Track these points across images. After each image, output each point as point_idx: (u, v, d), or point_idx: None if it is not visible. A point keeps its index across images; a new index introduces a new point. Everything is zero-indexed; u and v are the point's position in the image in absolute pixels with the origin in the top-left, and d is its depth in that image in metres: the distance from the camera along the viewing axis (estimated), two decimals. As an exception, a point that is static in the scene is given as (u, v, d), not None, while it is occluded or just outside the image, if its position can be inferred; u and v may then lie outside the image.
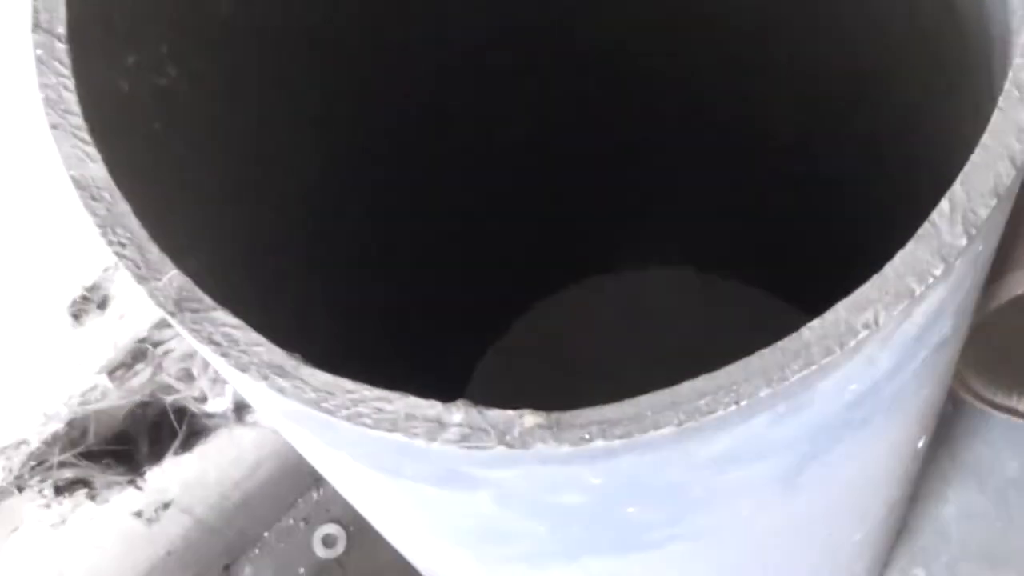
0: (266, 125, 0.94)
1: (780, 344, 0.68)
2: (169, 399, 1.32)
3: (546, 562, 0.97)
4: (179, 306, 0.70)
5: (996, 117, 0.69)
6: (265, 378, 0.69)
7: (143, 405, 1.31)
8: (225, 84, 0.88)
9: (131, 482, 1.37)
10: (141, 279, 0.71)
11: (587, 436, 0.67)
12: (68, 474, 1.27)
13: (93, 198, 0.72)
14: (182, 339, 1.27)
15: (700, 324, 1.29)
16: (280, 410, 0.77)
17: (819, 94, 1.05)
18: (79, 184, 0.73)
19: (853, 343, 0.68)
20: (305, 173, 1.02)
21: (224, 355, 0.70)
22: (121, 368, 1.23)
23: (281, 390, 0.69)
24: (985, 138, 0.68)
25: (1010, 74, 0.69)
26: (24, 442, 1.21)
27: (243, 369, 0.69)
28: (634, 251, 1.36)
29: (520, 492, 0.78)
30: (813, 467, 0.87)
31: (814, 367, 0.67)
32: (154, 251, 0.69)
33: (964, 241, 0.67)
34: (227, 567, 1.67)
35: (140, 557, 1.51)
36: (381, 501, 0.97)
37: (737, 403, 0.68)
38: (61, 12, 0.74)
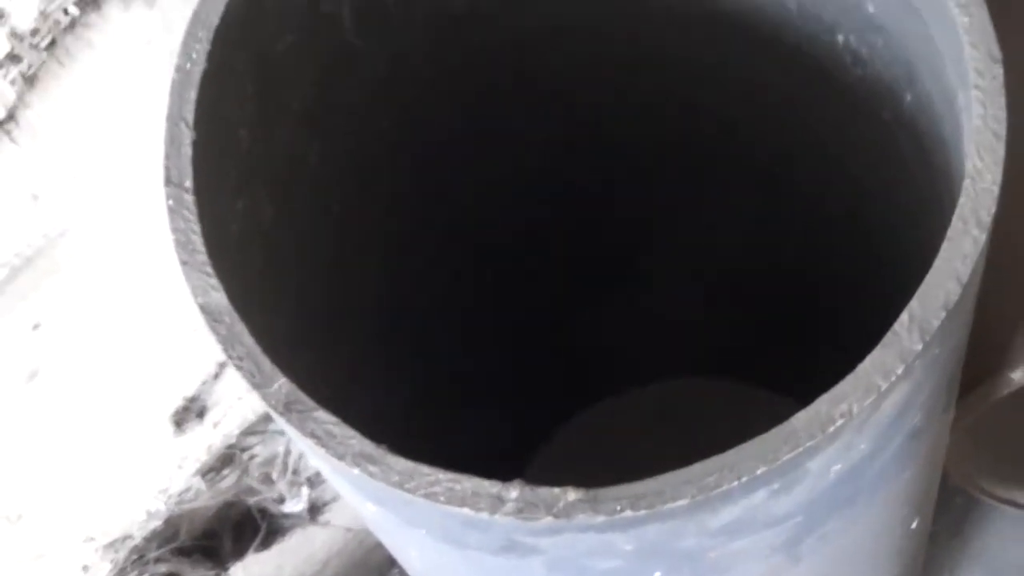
0: (342, 252, 1.08)
1: (773, 431, 0.79)
2: (252, 500, 1.41)
3: None
4: (288, 408, 0.82)
5: (945, 245, 0.80)
6: (358, 465, 0.81)
7: (228, 505, 1.40)
8: (310, 219, 1.03)
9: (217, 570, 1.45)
10: (256, 386, 0.82)
11: (619, 508, 0.79)
12: (163, 568, 1.36)
13: (216, 321, 0.83)
14: (265, 445, 1.39)
15: (726, 429, 1.40)
16: (369, 492, 0.87)
17: (820, 220, 1.19)
18: (205, 310, 0.84)
19: (832, 429, 0.79)
20: (374, 290, 1.16)
21: (324, 447, 0.80)
22: (212, 471, 1.32)
23: (372, 475, 0.81)
24: (937, 262, 0.80)
25: (956, 211, 0.81)
26: (129, 537, 1.29)
27: (340, 458, 0.80)
28: (662, 365, 1.48)
29: (566, 557, 0.88)
30: (811, 538, 0.97)
31: (800, 449, 0.78)
32: (267, 363, 0.81)
33: (920, 347, 0.79)
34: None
35: None
36: (448, 573, 1.03)
37: (739, 479, 0.79)
38: (188, 170, 0.86)
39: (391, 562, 1.71)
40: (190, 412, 1.25)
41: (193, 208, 0.86)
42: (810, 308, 1.29)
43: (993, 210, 0.83)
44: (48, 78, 0.89)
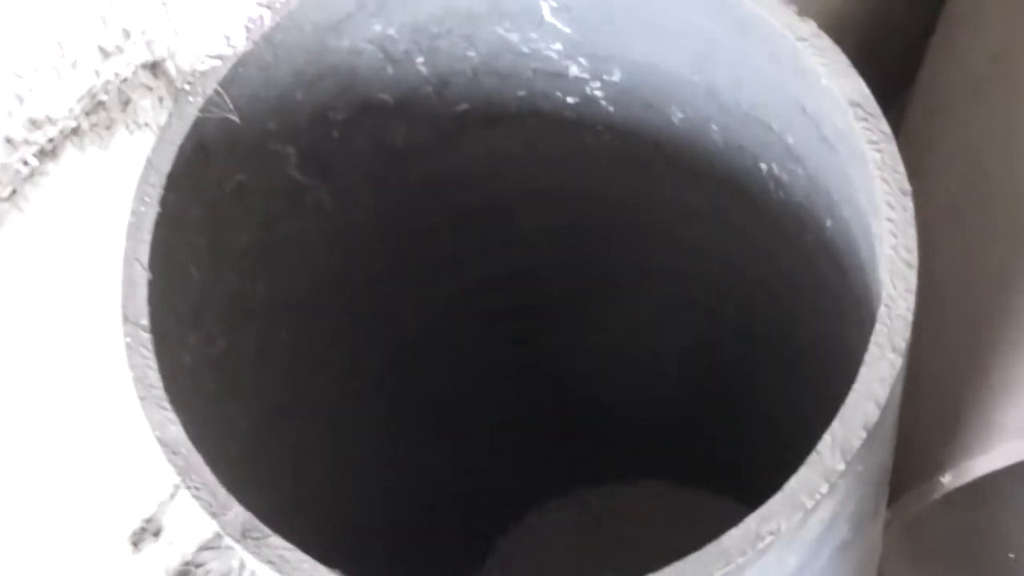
0: (291, 378, 1.12)
1: (707, 548, 0.81)
2: None
3: None
4: (244, 535, 0.84)
5: (863, 369, 0.83)
6: None
7: None
8: (260, 348, 1.06)
9: None
10: (213, 515, 0.84)
11: None
12: None
13: (174, 453, 0.84)
14: (220, 560, 1.39)
15: (673, 534, 1.42)
16: None
17: (752, 339, 1.22)
18: (163, 443, 0.85)
19: (761, 546, 0.81)
20: (324, 413, 1.17)
21: (279, 571, 0.84)
22: None
23: None
24: (856, 385, 0.82)
25: (872, 336, 0.85)
26: None
27: None
28: (614, 468, 1.51)
29: None
30: None
31: (732, 566, 0.81)
32: (222, 492, 0.83)
33: (842, 466, 0.81)
34: None
35: None
36: None
37: None
38: (144, 308, 0.87)
39: None
40: (147, 532, 1.26)
41: (149, 345, 0.88)
42: (749, 417, 1.32)
43: (908, 336, 0.85)
44: (7, 224, 0.93)
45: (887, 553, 1.45)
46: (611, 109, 1.10)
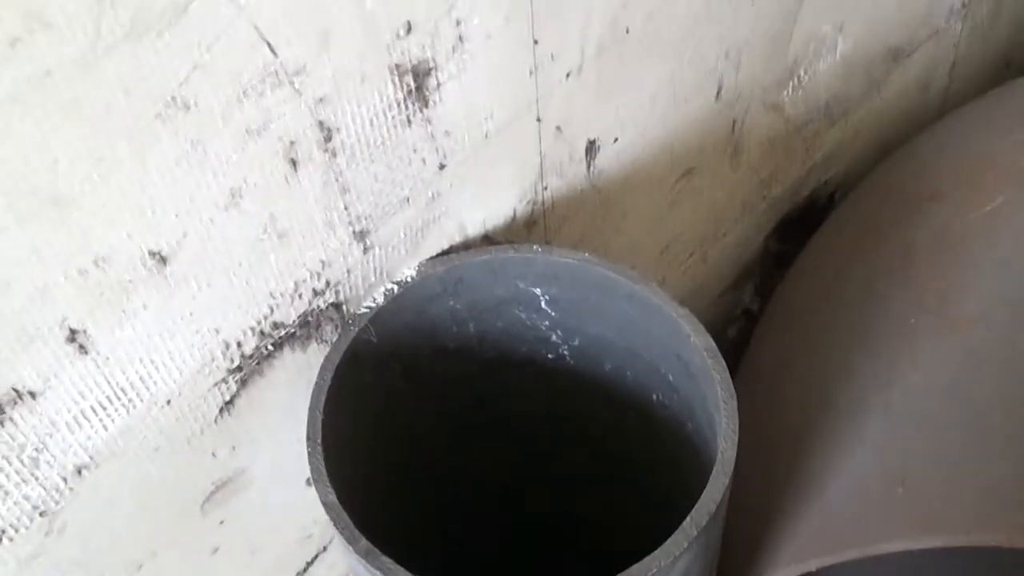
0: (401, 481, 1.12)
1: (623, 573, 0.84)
2: None
3: None
4: (367, 555, 0.86)
5: (709, 485, 0.89)
6: None
7: None
8: (386, 465, 1.09)
9: None
10: (350, 542, 0.86)
11: None
12: None
13: (331, 509, 0.89)
14: None
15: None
16: None
17: (640, 491, 1.20)
18: (326, 505, 0.89)
19: (650, 574, 0.85)
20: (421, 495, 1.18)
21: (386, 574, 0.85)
22: None
23: None
24: (704, 494, 0.89)
25: (713, 471, 0.90)
26: None
27: None
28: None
29: None
30: None
31: None
32: (356, 532, 0.87)
33: (695, 533, 0.86)
34: None
35: None
36: None
37: None
38: (318, 432, 0.92)
39: None
40: None
41: (320, 453, 0.92)
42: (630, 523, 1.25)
43: (731, 470, 0.90)
44: (252, 386, 0.97)
45: None
46: (571, 361, 1.13)
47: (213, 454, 0.96)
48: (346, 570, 1.28)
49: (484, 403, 1.17)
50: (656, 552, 0.87)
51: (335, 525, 0.90)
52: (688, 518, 0.88)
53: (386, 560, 0.87)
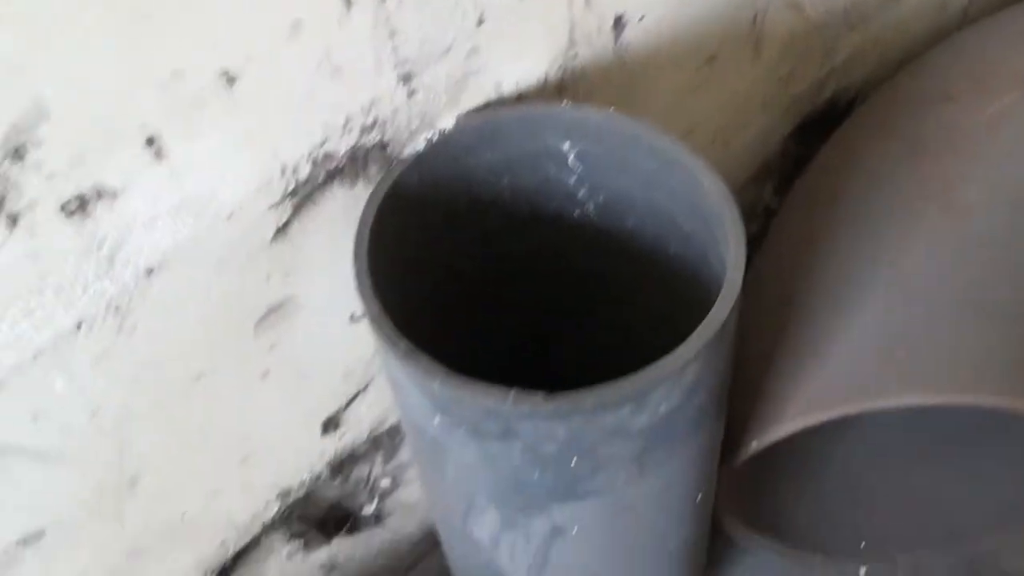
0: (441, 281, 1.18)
1: (635, 375, 0.93)
2: (348, 502, 1.45)
3: (535, 504, 1.08)
4: (406, 357, 0.94)
5: (716, 305, 0.97)
6: (439, 380, 0.93)
7: (336, 502, 1.43)
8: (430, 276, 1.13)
9: (321, 545, 1.47)
10: (390, 344, 0.94)
11: (558, 404, 0.92)
12: (297, 527, 1.39)
13: (375, 320, 0.97)
14: (359, 468, 1.41)
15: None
16: (438, 401, 0.96)
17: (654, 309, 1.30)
18: (371, 317, 0.97)
19: (662, 376, 0.94)
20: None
21: (422, 372, 0.93)
22: (334, 468, 1.36)
23: (446, 385, 0.92)
24: (712, 312, 0.97)
25: (721, 292, 0.98)
26: (288, 492, 1.32)
27: (432, 378, 0.93)
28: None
29: (529, 443, 0.96)
30: (650, 458, 1.03)
31: (646, 383, 0.93)
32: (396, 332, 0.95)
33: (703, 343, 0.94)
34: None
35: None
36: (461, 463, 1.06)
37: (609, 400, 0.93)
38: (365, 248, 1.01)
39: (418, 559, 1.70)
40: (332, 423, 1.30)
41: (366, 270, 1.01)
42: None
43: (736, 293, 0.98)
44: (304, 216, 1.05)
45: (723, 502, 1.42)
46: (596, 219, 1.22)
47: (267, 276, 1.07)
48: (383, 410, 1.39)
49: (514, 258, 1.25)
50: (667, 357, 0.95)
51: (378, 332, 0.98)
52: (696, 331, 0.97)
53: (424, 358, 0.96)
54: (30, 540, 1.09)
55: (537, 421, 0.96)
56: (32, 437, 1.00)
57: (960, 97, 1.48)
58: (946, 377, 1.25)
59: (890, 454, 1.66)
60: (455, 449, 1.03)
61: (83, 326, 0.94)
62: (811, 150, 1.65)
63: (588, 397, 0.94)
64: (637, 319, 1.30)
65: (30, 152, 0.82)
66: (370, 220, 1.06)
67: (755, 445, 1.29)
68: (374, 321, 1.00)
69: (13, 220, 0.84)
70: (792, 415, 1.27)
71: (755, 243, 1.59)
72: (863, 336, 1.30)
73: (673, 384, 0.97)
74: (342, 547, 1.54)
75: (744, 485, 1.46)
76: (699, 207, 1.10)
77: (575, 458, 1.00)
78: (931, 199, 1.37)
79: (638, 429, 0.99)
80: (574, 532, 1.14)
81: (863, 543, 1.60)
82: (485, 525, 1.17)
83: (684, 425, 1.04)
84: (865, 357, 1.28)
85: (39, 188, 0.84)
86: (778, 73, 1.53)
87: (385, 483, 1.50)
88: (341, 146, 1.04)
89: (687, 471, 1.14)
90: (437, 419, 0.99)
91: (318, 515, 1.44)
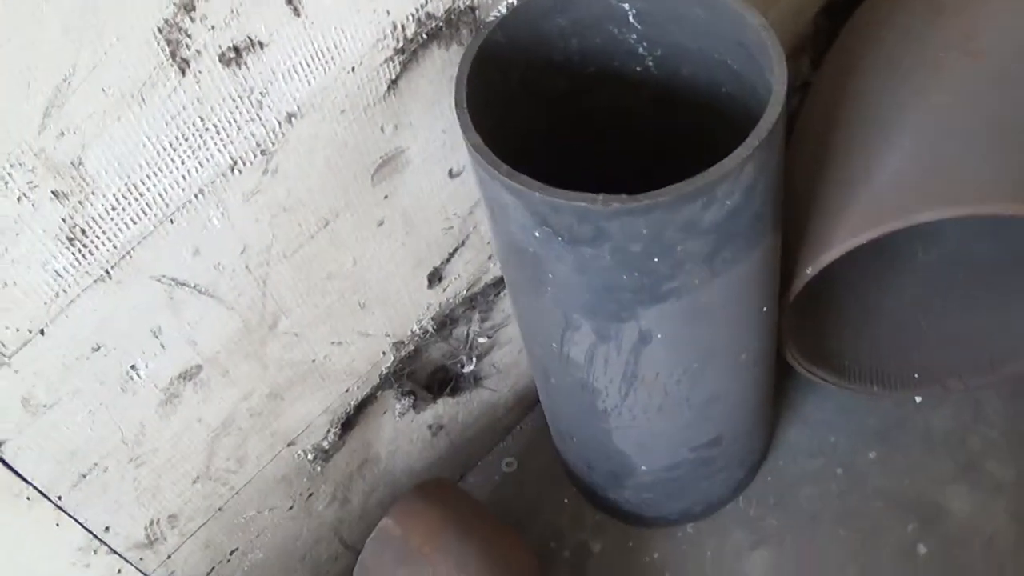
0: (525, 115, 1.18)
1: (699, 175, 1.07)
2: (449, 362, 1.60)
3: (624, 309, 1.20)
4: (498, 171, 1.08)
5: (766, 112, 1.12)
6: (539, 191, 1.08)
7: (440, 364, 1.59)
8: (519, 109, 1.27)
9: (428, 405, 1.62)
10: (491, 164, 1.10)
11: (641, 201, 1.06)
12: (408, 385, 1.54)
13: (472, 145, 1.13)
14: (459, 328, 1.57)
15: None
16: (534, 207, 1.09)
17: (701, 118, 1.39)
18: (472, 144, 1.13)
19: (725, 171, 1.07)
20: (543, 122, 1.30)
21: (520, 185, 1.08)
22: (438, 323, 1.50)
23: (540, 191, 1.07)
24: (763, 118, 1.11)
25: (768, 106, 1.13)
26: (403, 342, 1.46)
27: (528, 187, 1.07)
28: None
29: (618, 243, 1.09)
30: (719, 258, 1.17)
31: (714, 178, 1.07)
32: (493, 157, 1.12)
33: (757, 143, 1.08)
34: (463, 476, 1.82)
35: (429, 454, 1.73)
36: (559, 277, 1.18)
37: (685, 193, 1.07)
38: (464, 97, 1.17)
39: (513, 423, 1.82)
40: (435, 276, 1.46)
41: (466, 112, 1.17)
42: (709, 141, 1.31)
43: (782, 101, 1.11)
44: (411, 71, 1.22)
45: (783, 336, 1.55)
46: (655, 72, 1.36)
47: (381, 128, 1.26)
48: (478, 267, 1.55)
49: (587, 114, 1.42)
50: (728, 158, 1.11)
51: (480, 161, 1.15)
52: (750, 135, 1.12)
53: (524, 176, 1.12)
54: (190, 374, 1.28)
55: (624, 218, 1.10)
56: (193, 272, 1.19)
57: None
58: (974, 193, 1.41)
59: (933, 296, 1.83)
60: (553, 262, 1.18)
61: (236, 166, 1.14)
62: (841, 27, 1.82)
63: (666, 192, 1.09)
64: (699, 158, 1.45)
65: (198, 5, 1.01)
66: (466, 72, 1.23)
67: (811, 271, 1.44)
68: (477, 150, 1.16)
69: (184, 67, 1.04)
70: (841, 239, 1.43)
71: (796, 116, 1.77)
72: (898, 164, 1.46)
73: (735, 180, 1.11)
74: (446, 408, 1.70)
75: (807, 327, 1.62)
76: (745, 44, 1.25)
77: (656, 258, 1.14)
78: (951, 48, 1.54)
79: (708, 224, 1.13)
80: (659, 337, 1.29)
81: (916, 375, 1.76)
82: (581, 340, 1.32)
83: (747, 225, 1.18)
84: (902, 181, 1.44)
85: (204, 38, 1.03)
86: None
87: (482, 342, 1.67)
88: (439, 6, 1.21)
89: (752, 278, 1.28)
90: (537, 232, 1.14)
91: (424, 376, 1.61)
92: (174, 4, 0.97)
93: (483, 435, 1.83)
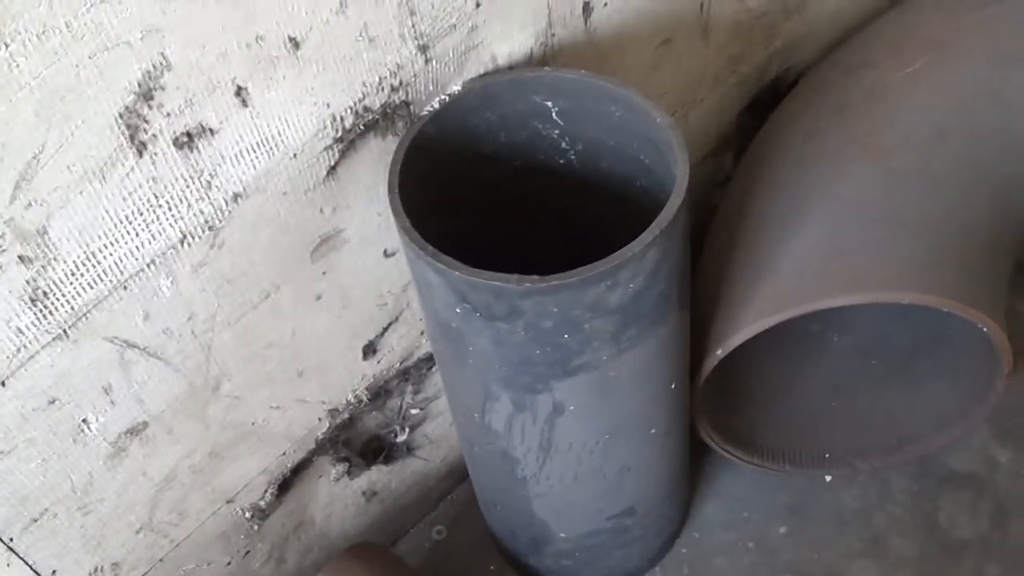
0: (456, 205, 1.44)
1: (604, 259, 1.16)
2: (383, 431, 1.68)
3: (539, 382, 1.28)
4: (420, 251, 1.19)
5: (668, 202, 1.23)
6: (459, 271, 1.17)
7: (373, 433, 1.68)
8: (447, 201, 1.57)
9: (362, 471, 1.70)
10: (420, 253, 1.21)
11: (551, 281, 1.15)
12: (343, 452, 1.63)
13: (404, 231, 1.25)
14: (392, 399, 1.68)
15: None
16: (456, 288, 1.18)
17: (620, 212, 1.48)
18: (402, 228, 1.25)
19: (629, 256, 1.17)
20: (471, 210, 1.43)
21: (442, 265, 1.19)
22: (372, 393, 1.59)
23: (461, 271, 1.17)
24: (665, 208, 1.22)
25: (671, 196, 1.26)
26: (338, 410, 1.56)
27: (450, 268, 1.17)
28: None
29: (530, 320, 1.18)
30: (625, 335, 1.26)
31: (616, 263, 1.16)
32: (420, 239, 1.26)
33: (659, 231, 1.19)
34: (395, 542, 1.90)
35: (362, 519, 1.81)
36: (478, 349, 1.26)
37: (590, 276, 1.15)
38: (396, 184, 1.28)
39: (445, 492, 1.89)
40: (370, 349, 1.56)
41: (398, 198, 1.29)
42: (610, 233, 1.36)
43: (684, 192, 1.23)
44: (347, 162, 1.34)
45: (698, 413, 1.67)
46: (576, 164, 1.48)
47: (321, 209, 1.41)
48: (411, 342, 1.67)
49: (512, 198, 1.55)
50: (631, 243, 1.23)
51: (408, 242, 1.27)
52: (654, 222, 1.25)
53: (446, 257, 1.25)
54: (137, 430, 1.41)
55: (535, 297, 1.21)
56: (144, 335, 1.32)
57: (879, 63, 1.82)
58: (873, 281, 1.55)
59: (845, 378, 1.96)
60: (473, 336, 1.28)
61: (185, 239, 1.28)
62: (762, 123, 2.01)
63: (574, 275, 1.21)
64: (612, 239, 1.60)
65: (156, 95, 1.17)
66: (400, 160, 1.37)
67: (720, 352, 1.57)
68: (406, 232, 1.29)
69: (141, 149, 1.19)
70: (747, 322, 1.56)
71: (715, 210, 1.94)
72: (802, 252, 1.60)
73: (638, 265, 1.22)
74: (380, 475, 1.80)
75: (721, 405, 1.74)
76: (654, 140, 1.39)
77: (566, 334, 1.24)
78: (855, 143, 1.70)
79: (614, 304, 1.24)
80: (571, 408, 1.40)
81: (827, 455, 1.89)
82: (500, 410, 1.44)
83: (652, 306, 1.28)
84: (804, 269, 1.58)
85: (160, 123, 1.18)
86: (727, 54, 1.89)
87: (415, 413, 1.78)
88: (376, 102, 1.36)
89: (658, 355, 1.38)
90: (459, 309, 1.24)
91: (359, 443, 1.71)
92: (134, 93, 1.10)
93: (415, 503, 1.93)
